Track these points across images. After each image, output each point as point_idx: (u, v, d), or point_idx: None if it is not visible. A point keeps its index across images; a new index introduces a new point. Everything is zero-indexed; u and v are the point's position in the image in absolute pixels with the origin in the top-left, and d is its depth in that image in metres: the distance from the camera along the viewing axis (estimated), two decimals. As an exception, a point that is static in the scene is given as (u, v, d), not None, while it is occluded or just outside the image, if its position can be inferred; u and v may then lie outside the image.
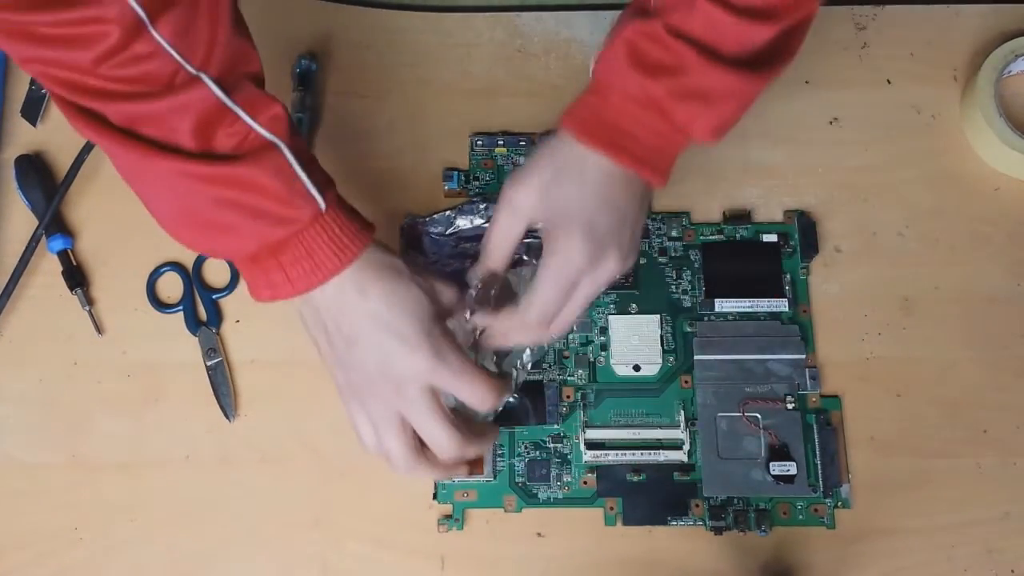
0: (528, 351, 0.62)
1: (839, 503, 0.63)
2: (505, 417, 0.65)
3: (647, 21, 0.54)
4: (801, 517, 0.63)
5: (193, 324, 0.68)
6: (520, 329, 0.59)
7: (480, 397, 0.56)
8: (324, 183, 0.55)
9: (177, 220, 0.54)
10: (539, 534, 0.64)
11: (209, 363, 0.67)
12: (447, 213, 0.68)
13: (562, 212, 0.56)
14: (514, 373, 0.62)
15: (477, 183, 0.71)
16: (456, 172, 0.71)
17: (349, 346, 0.55)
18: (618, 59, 0.55)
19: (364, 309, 0.54)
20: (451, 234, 0.68)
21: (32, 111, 0.73)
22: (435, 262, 0.67)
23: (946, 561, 0.62)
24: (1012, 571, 0.62)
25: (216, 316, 0.69)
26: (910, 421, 0.65)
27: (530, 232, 0.65)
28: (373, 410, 0.56)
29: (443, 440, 0.55)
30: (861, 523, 0.63)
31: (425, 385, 0.55)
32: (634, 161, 0.55)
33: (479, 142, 0.71)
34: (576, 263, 0.56)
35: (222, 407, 0.67)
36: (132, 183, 0.54)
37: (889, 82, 0.72)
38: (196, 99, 0.51)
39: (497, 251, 0.58)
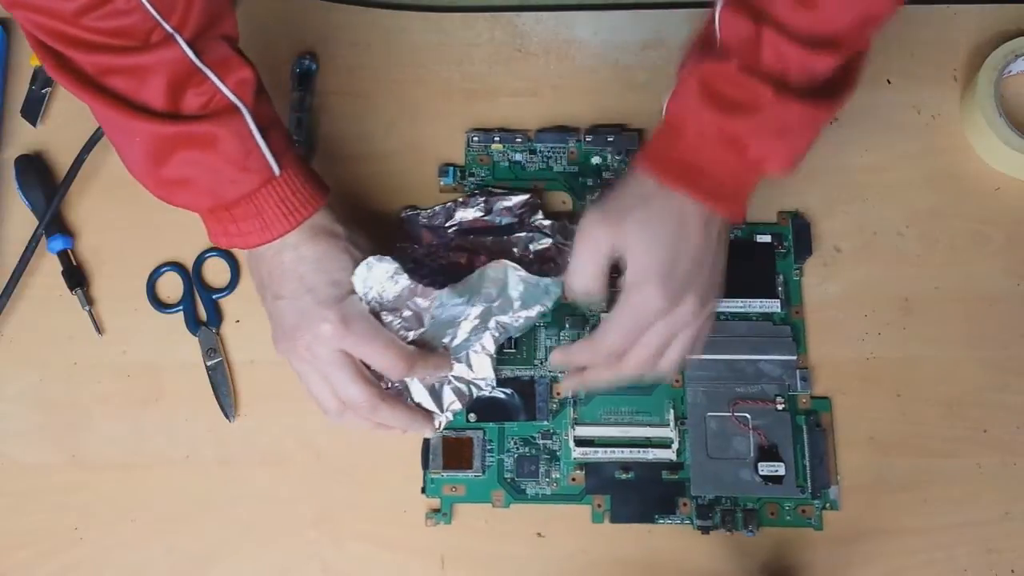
0: (488, 333, 0.62)
1: (827, 504, 0.63)
2: (495, 413, 0.65)
3: (720, 61, 0.54)
4: (788, 518, 0.63)
5: (193, 324, 0.68)
6: (594, 363, 0.60)
7: (389, 364, 0.59)
8: (282, 148, 0.58)
9: (140, 169, 0.57)
10: (539, 534, 0.64)
11: (209, 363, 0.67)
12: (447, 205, 0.68)
13: (640, 252, 0.57)
14: (474, 357, 0.63)
15: (473, 179, 0.71)
16: (452, 168, 0.71)
17: (275, 300, 0.59)
18: (692, 98, 0.55)
19: (294, 268, 0.58)
20: (450, 226, 0.68)
21: (32, 111, 0.73)
22: (431, 253, 0.67)
23: (946, 561, 0.62)
24: (1012, 571, 0.62)
25: (216, 316, 0.69)
26: (910, 421, 0.65)
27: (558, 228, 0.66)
28: (295, 361, 0.60)
29: (354, 396, 0.59)
30: (852, 524, 0.63)
31: (334, 347, 0.58)
32: (709, 196, 0.56)
33: (475, 138, 0.71)
34: (652, 307, 0.57)
35: (222, 407, 0.67)
36: (103, 127, 0.58)
37: (889, 82, 0.72)
38: (169, 59, 0.53)
39: (577, 284, 0.59)
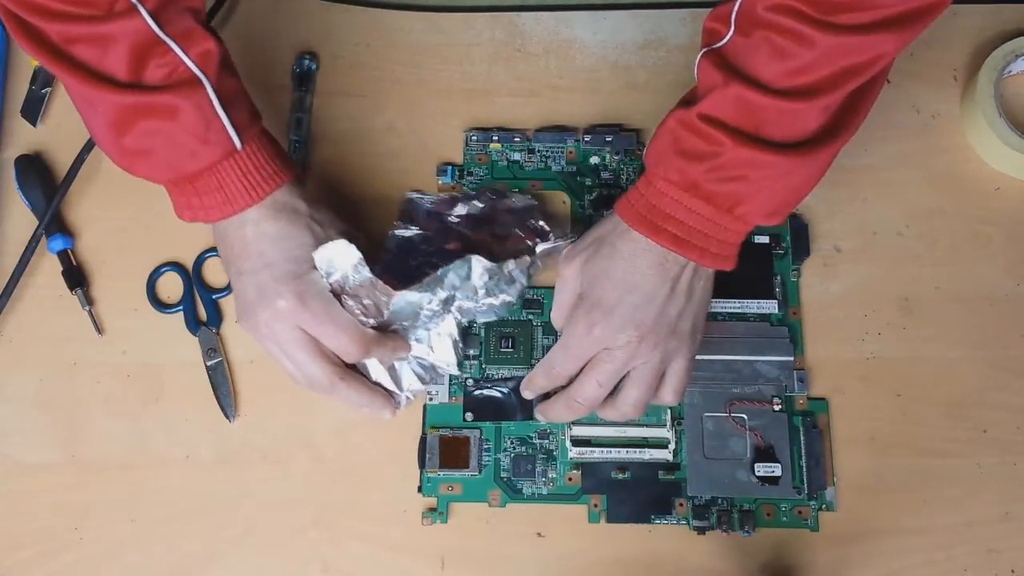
0: (450, 316, 0.63)
1: (823, 506, 0.63)
2: (492, 412, 0.65)
3: (686, 110, 0.55)
4: (785, 519, 0.63)
5: (193, 324, 0.68)
6: (550, 386, 0.63)
7: (342, 346, 0.60)
8: (246, 123, 0.58)
9: (103, 138, 0.58)
10: (539, 534, 0.64)
11: (209, 363, 0.67)
12: (453, 196, 0.69)
13: (591, 284, 0.59)
14: (435, 340, 0.63)
15: (471, 178, 0.71)
16: (450, 167, 0.71)
17: (237, 275, 0.60)
18: (662, 147, 0.57)
19: (255, 244, 0.59)
20: (452, 216, 0.68)
21: (32, 111, 0.73)
22: (427, 239, 0.67)
23: (946, 561, 0.62)
24: (1012, 571, 0.62)
25: (216, 316, 0.69)
26: (910, 421, 0.65)
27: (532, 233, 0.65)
28: (257, 337, 0.61)
29: (312, 375, 0.60)
30: (852, 524, 0.63)
31: (292, 324, 0.59)
32: (674, 242, 0.57)
33: (474, 137, 0.71)
34: (593, 336, 0.59)
35: (222, 407, 0.67)
36: (70, 97, 0.58)
37: (889, 82, 0.72)
38: (131, 29, 0.53)
39: (556, 321, 0.64)
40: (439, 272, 0.62)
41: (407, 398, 0.64)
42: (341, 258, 0.60)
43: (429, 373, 0.64)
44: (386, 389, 0.63)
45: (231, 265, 0.61)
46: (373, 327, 0.61)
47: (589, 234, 0.61)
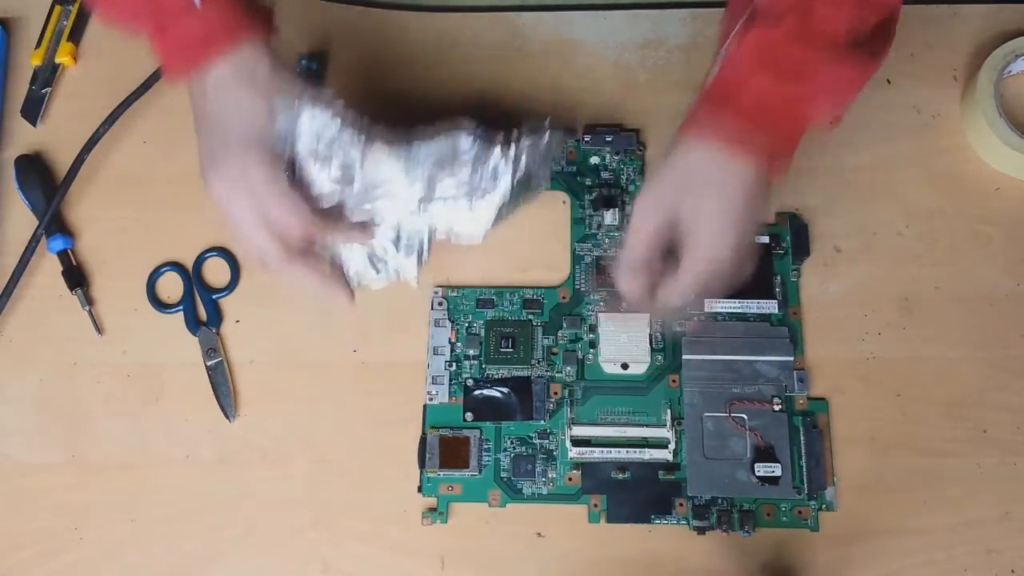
0: (425, 222, 0.62)
1: (823, 506, 0.63)
2: (492, 412, 0.66)
3: (771, 28, 0.55)
4: (785, 519, 0.63)
5: (193, 324, 0.68)
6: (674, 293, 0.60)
7: (282, 218, 0.57)
8: None
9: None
10: (539, 534, 0.64)
11: (209, 363, 0.67)
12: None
13: (707, 215, 0.57)
14: (398, 231, 0.62)
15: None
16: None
17: (198, 136, 0.59)
18: (745, 66, 0.56)
19: (212, 106, 0.58)
20: None
21: (32, 111, 0.73)
22: None
23: (946, 561, 0.62)
24: (1012, 571, 0.62)
25: (216, 316, 0.69)
26: (910, 421, 0.65)
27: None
28: (213, 200, 0.59)
29: (261, 246, 0.58)
30: (852, 524, 0.63)
31: (239, 193, 0.57)
32: (761, 155, 0.56)
33: (474, 137, 0.72)
34: (649, 225, 0.58)
35: (222, 407, 0.67)
36: None
37: (889, 82, 0.72)
38: None
39: (634, 251, 0.59)
40: (421, 139, 0.60)
41: (356, 283, 0.62)
42: (308, 116, 0.58)
43: (383, 270, 0.62)
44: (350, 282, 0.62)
45: (196, 125, 0.59)
46: (341, 195, 0.60)
47: (668, 166, 0.59)
